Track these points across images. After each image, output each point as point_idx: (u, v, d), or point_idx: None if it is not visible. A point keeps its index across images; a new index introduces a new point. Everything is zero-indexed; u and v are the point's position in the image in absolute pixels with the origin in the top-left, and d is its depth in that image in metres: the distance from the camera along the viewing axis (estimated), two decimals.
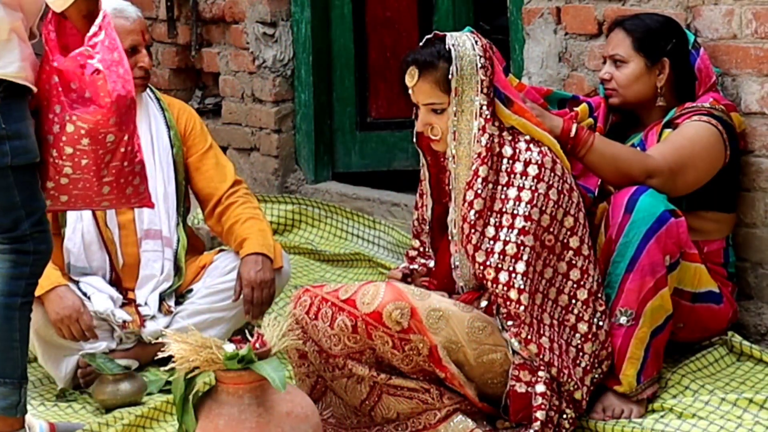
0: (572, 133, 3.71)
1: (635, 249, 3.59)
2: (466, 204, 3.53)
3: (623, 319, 3.59)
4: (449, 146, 3.58)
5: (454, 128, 3.55)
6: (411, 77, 3.58)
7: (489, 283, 3.51)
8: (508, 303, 3.48)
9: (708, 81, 3.95)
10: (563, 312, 3.55)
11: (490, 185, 3.53)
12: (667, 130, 3.87)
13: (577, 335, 3.55)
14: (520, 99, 3.67)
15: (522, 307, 3.46)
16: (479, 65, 3.54)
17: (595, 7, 4.46)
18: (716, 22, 4.06)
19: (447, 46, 3.55)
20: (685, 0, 4.14)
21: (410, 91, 3.60)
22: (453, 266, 3.66)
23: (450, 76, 3.53)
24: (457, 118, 3.55)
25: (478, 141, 3.53)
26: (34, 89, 3.26)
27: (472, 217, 3.53)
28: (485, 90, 3.54)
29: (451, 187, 3.63)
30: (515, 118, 3.58)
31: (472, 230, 3.53)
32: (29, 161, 3.26)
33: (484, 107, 3.54)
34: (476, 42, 3.57)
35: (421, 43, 3.64)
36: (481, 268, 3.52)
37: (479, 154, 3.52)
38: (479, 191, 3.52)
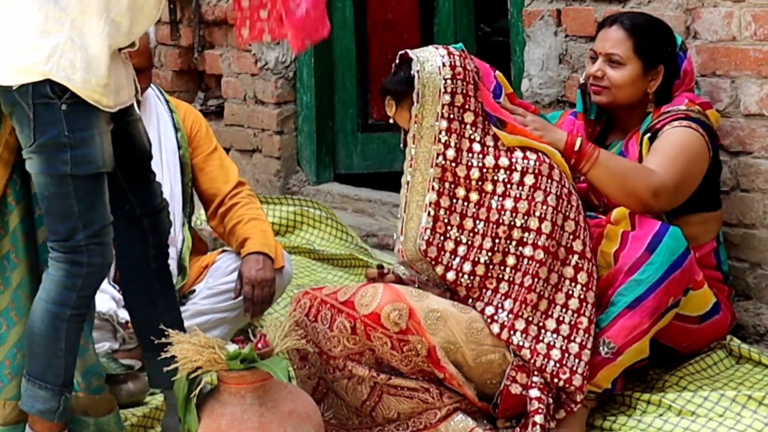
0: (576, 147, 3.64)
1: (645, 289, 3.51)
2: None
3: (603, 350, 3.52)
4: (404, 173, 3.57)
5: (412, 155, 3.55)
6: (390, 107, 3.58)
7: (489, 292, 3.52)
8: (500, 309, 3.50)
9: (690, 83, 3.87)
10: (575, 315, 3.51)
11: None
12: (647, 137, 3.78)
13: (591, 338, 3.51)
14: (512, 118, 3.63)
15: (517, 319, 3.48)
16: (443, 89, 3.51)
17: (596, 9, 4.46)
18: (716, 24, 4.06)
19: (413, 72, 3.53)
20: (684, 2, 4.14)
21: (391, 120, 3.61)
22: None
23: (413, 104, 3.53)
24: (415, 146, 3.55)
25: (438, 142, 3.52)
26: (106, 108, 3.22)
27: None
28: (448, 114, 3.52)
29: (401, 214, 3.61)
30: (511, 138, 3.55)
31: (437, 235, 3.52)
32: (91, 171, 3.22)
33: (443, 133, 3.52)
34: (444, 65, 3.52)
35: (394, 65, 3.62)
36: (482, 280, 3.52)
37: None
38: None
